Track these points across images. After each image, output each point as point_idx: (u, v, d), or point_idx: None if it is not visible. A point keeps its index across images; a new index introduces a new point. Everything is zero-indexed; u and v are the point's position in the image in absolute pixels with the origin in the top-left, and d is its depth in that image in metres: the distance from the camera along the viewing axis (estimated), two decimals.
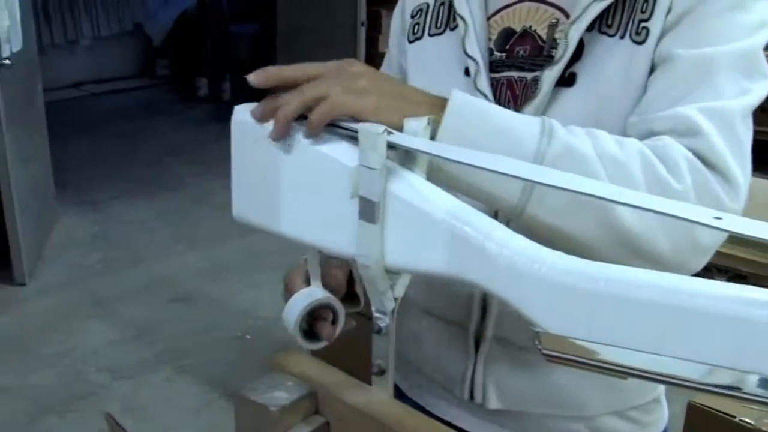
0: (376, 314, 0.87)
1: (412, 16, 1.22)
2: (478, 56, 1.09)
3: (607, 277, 0.66)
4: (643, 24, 0.99)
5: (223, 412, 3.23)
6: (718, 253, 0.97)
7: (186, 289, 4.37)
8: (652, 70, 1.00)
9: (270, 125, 0.88)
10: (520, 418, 1.19)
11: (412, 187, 0.80)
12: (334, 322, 1.05)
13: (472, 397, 1.20)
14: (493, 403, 1.18)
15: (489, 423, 1.22)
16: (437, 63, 1.17)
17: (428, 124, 0.83)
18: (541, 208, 0.88)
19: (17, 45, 4.30)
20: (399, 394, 1.32)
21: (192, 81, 8.83)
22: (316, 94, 0.84)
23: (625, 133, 0.99)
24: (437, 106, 0.88)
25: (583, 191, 0.69)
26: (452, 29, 1.15)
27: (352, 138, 0.83)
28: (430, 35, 1.18)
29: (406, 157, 0.83)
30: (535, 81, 1.06)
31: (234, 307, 4.17)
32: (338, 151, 0.84)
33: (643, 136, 0.96)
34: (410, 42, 1.21)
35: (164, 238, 5.09)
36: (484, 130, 0.88)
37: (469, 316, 1.16)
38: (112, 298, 4.25)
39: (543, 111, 1.03)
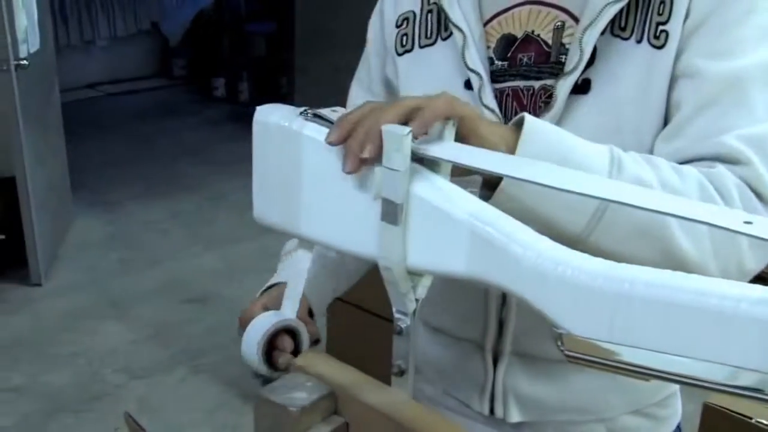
0: (397, 315, 0.87)
1: (398, 26, 1.16)
2: (480, 68, 1.04)
3: (632, 279, 0.65)
4: (661, 27, 0.96)
5: (237, 412, 3.25)
6: None
7: (201, 289, 4.39)
8: (673, 78, 0.98)
9: (295, 127, 0.87)
10: (540, 427, 1.18)
11: (436, 189, 0.79)
12: (296, 352, 1.01)
13: (492, 411, 1.18)
14: (515, 416, 1.16)
15: None
16: (433, 76, 1.11)
17: (453, 125, 0.83)
18: (606, 237, 0.87)
19: (35, 45, 4.34)
20: None
21: (209, 81, 8.85)
22: (414, 104, 0.80)
23: (652, 145, 0.98)
24: (509, 129, 0.87)
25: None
26: (444, 39, 1.10)
27: None
28: (421, 47, 1.13)
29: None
30: (545, 90, 1.03)
31: None
32: None
33: (688, 159, 0.95)
34: (399, 54, 1.15)
35: (180, 239, 5.11)
36: (557, 161, 0.85)
37: (485, 334, 1.14)
38: (127, 298, 4.27)
39: (558, 121, 1.00)
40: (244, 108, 8.14)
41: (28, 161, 4.13)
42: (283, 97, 7.19)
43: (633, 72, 0.98)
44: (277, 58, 8.04)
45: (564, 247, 0.72)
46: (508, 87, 1.06)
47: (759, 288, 0.60)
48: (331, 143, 0.81)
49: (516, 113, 1.04)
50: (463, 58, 1.05)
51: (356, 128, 0.79)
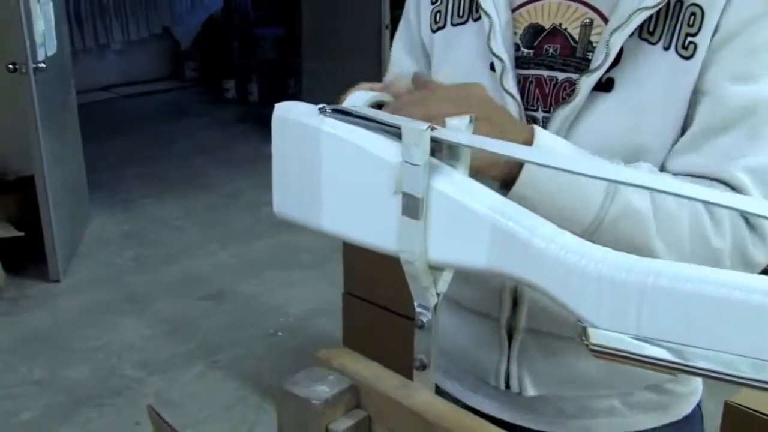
0: (418, 309, 0.87)
1: (432, 3, 1.17)
2: (504, 54, 1.05)
3: (657, 272, 0.65)
4: (690, 39, 0.97)
5: (255, 408, 3.26)
6: None
7: (218, 286, 4.41)
8: (695, 91, 0.99)
9: (314, 122, 0.88)
10: (557, 401, 1.19)
11: (456, 183, 0.80)
12: None
13: (507, 386, 1.19)
14: (530, 390, 1.17)
15: (527, 412, 1.22)
16: (462, 55, 1.13)
17: (470, 122, 0.84)
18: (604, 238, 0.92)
19: (52, 49, 4.39)
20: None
21: (219, 83, 8.89)
22: (434, 113, 0.84)
23: (667, 160, 1.02)
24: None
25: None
26: (475, 20, 1.11)
27: (393, 133, 0.83)
28: (453, 24, 1.14)
29: (449, 153, 0.83)
30: (569, 82, 1.04)
31: (266, 304, 4.20)
32: (380, 147, 0.83)
33: (695, 175, 0.99)
34: (434, 31, 1.17)
35: (195, 236, 5.14)
36: (557, 184, 0.91)
37: (501, 309, 1.15)
38: (145, 294, 4.30)
39: (577, 114, 1.02)
40: (254, 109, 8.21)
41: (46, 160, 4.17)
42: (292, 97, 7.15)
43: (658, 77, 0.99)
44: (285, 60, 8.10)
45: (587, 241, 0.72)
46: (532, 75, 1.07)
47: None
48: None
49: (537, 100, 1.07)
50: (488, 42, 1.06)
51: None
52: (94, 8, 8.81)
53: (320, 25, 6.38)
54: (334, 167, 0.88)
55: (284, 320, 4.02)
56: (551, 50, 1.06)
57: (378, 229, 0.85)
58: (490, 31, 1.06)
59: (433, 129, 0.79)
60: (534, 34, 1.08)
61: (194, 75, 9.61)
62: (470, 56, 1.11)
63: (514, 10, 1.09)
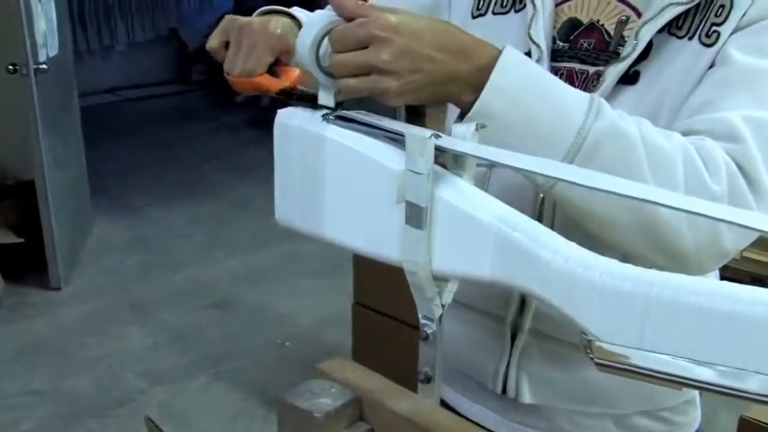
0: (423, 321, 0.86)
1: None
2: (542, 43, 1.08)
3: (662, 284, 0.65)
4: (714, 28, 0.99)
5: (260, 420, 3.25)
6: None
7: (224, 294, 4.40)
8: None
9: (317, 129, 0.88)
10: (550, 413, 1.19)
11: (461, 192, 0.80)
12: None
13: (504, 390, 1.19)
14: (527, 397, 1.17)
15: (520, 422, 1.22)
16: (499, 44, 1.14)
17: (476, 129, 0.82)
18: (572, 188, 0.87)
19: (53, 50, 4.38)
20: None
21: (229, 86, 8.87)
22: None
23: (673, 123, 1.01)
24: (482, 68, 0.89)
25: (618, 191, 0.69)
26: (517, 11, 1.13)
27: (396, 140, 0.82)
28: (494, 13, 1.16)
29: (453, 161, 0.83)
30: (598, 75, 1.06)
31: (273, 313, 4.19)
32: (383, 154, 0.83)
33: (684, 134, 0.96)
34: (473, 17, 1.18)
35: (201, 244, 5.13)
36: (531, 93, 0.89)
37: (507, 308, 1.15)
38: (148, 303, 4.29)
39: None
40: (264, 113, 8.14)
41: (47, 165, 4.15)
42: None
43: (679, 66, 1.01)
44: None
45: (592, 253, 0.72)
46: (564, 67, 1.09)
47: None
48: None
49: None
50: (529, 28, 1.08)
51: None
52: (99, 8, 8.82)
53: None
54: (337, 175, 0.88)
55: (293, 330, 4.01)
56: (585, 44, 1.09)
57: (381, 238, 0.86)
58: (532, 19, 1.08)
59: (437, 137, 0.78)
60: (571, 28, 1.10)
61: (201, 78, 9.60)
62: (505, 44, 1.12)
63: (557, 5, 1.12)
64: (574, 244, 0.73)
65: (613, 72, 1.02)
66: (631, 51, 1.01)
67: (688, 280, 0.65)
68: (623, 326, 0.67)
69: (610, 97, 1.02)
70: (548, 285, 0.73)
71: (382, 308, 3.08)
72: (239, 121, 8.10)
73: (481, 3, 1.18)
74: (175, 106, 8.76)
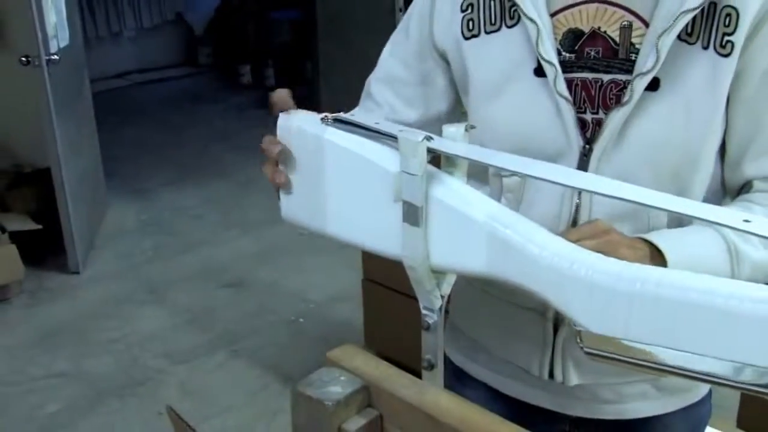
0: (424, 311, 0.90)
1: (463, 11, 1.17)
2: (554, 59, 1.07)
3: (643, 279, 0.68)
4: (727, 38, 1.01)
5: (279, 395, 3.28)
6: None
7: (238, 273, 4.42)
8: (734, 79, 1.04)
9: (317, 131, 0.91)
10: (595, 388, 1.23)
11: (454, 191, 0.83)
12: None
13: (551, 375, 1.22)
14: (574, 379, 1.20)
15: (565, 398, 1.25)
16: (501, 62, 1.14)
17: (466, 130, 0.86)
18: None
19: (64, 40, 4.41)
20: (464, 377, 1.35)
21: (235, 68, 8.87)
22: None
23: (722, 135, 1.09)
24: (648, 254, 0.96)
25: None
26: (509, 27, 1.12)
27: (394, 144, 0.85)
28: (486, 32, 1.15)
29: (447, 161, 0.86)
30: (614, 83, 1.07)
31: (286, 290, 4.21)
32: (380, 156, 0.86)
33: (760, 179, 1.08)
34: (466, 39, 1.17)
35: (214, 224, 5.15)
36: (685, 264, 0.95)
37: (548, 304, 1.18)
38: (165, 284, 4.32)
39: (631, 113, 1.05)
40: (270, 93, 8.08)
41: (62, 152, 4.20)
42: (309, 82, 7.18)
43: (700, 76, 1.03)
44: (302, 43, 7.99)
45: (579, 247, 0.75)
46: (577, 78, 1.10)
47: (764, 288, 0.63)
48: None
49: (584, 102, 1.09)
50: (537, 48, 1.08)
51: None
52: None
53: (335, 8, 6.37)
54: (337, 175, 0.91)
55: (305, 306, 4.03)
56: (593, 53, 1.09)
57: (381, 234, 0.89)
58: (538, 37, 1.07)
59: (429, 140, 0.81)
60: (574, 38, 1.10)
61: (208, 61, 9.60)
62: (509, 63, 1.13)
63: (552, 16, 1.11)
64: (561, 239, 0.76)
65: (639, 84, 1.03)
66: (654, 63, 1.01)
67: (669, 274, 0.68)
68: (609, 318, 0.70)
69: (638, 107, 1.04)
70: (538, 279, 0.76)
71: (392, 284, 3.09)
72: (246, 101, 8.09)
73: (471, 24, 1.17)
74: (183, 89, 8.73)
